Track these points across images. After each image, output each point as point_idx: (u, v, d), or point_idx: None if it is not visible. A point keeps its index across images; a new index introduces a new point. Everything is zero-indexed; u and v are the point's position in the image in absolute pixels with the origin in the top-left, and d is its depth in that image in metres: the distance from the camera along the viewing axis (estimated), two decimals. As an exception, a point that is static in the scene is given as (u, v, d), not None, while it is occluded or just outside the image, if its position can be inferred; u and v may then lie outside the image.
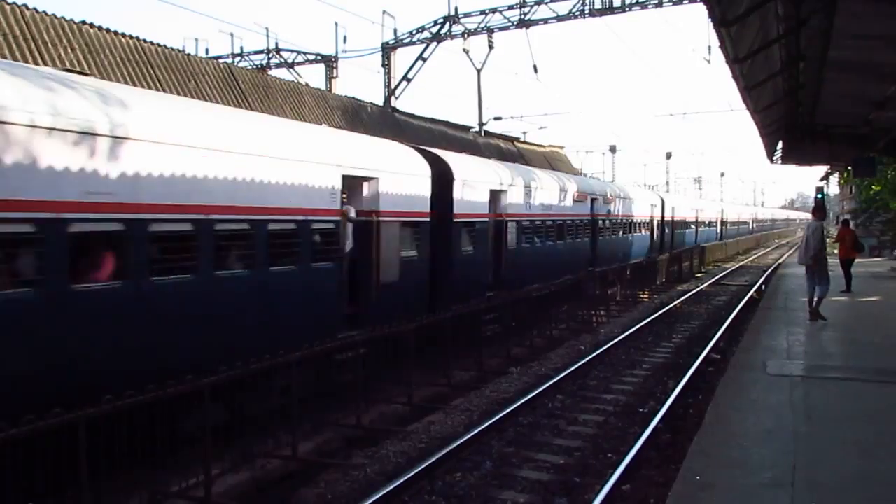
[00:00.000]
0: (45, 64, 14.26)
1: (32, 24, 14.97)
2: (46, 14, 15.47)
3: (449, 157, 16.26)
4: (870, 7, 10.32)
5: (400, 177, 13.45)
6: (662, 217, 35.99)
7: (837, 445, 7.30)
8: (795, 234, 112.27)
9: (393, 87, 34.27)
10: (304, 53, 36.64)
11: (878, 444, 7.33)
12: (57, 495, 6.56)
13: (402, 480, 8.11)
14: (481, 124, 35.81)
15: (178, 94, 17.11)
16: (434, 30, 33.23)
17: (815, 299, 15.40)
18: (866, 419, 8.24)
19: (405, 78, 34.41)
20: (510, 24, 31.75)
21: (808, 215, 20.60)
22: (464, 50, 33.20)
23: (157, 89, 16.83)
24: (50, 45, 15.13)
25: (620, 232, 29.21)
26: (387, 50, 34.34)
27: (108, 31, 17.05)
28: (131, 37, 17.71)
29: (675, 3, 29.01)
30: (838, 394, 9.40)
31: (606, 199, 27.01)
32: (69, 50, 15.53)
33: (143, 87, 16.30)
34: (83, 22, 16.45)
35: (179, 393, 7.51)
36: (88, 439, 6.52)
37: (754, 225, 74.48)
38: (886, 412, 8.49)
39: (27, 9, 15.06)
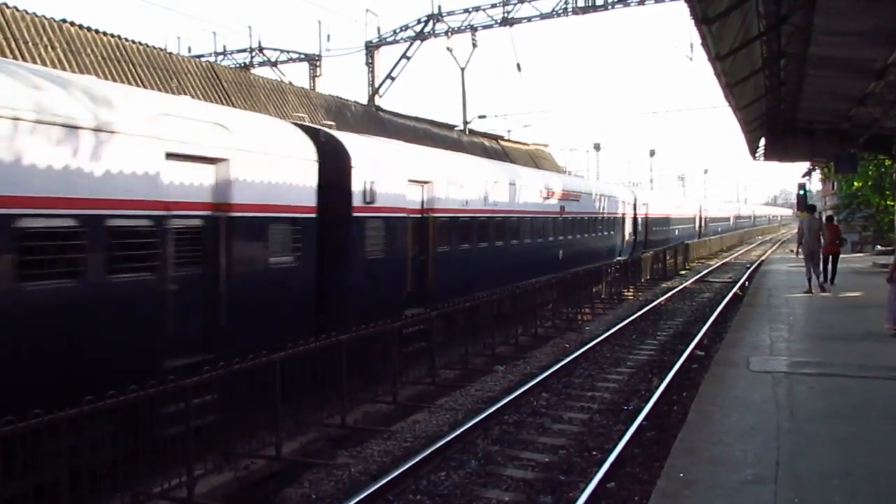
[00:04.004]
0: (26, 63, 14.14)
1: (13, 22, 14.82)
2: (27, 13, 15.31)
3: (642, 192, 36.41)
4: (849, 4, 10.40)
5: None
6: (700, 215, 55.15)
7: (820, 441, 7.32)
8: (778, 231, 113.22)
9: (377, 85, 34.20)
10: (288, 52, 36.56)
11: (861, 439, 7.36)
12: (37, 496, 6.49)
13: (386, 480, 8.09)
14: (465, 123, 35.80)
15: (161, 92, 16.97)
16: (418, 28, 33.20)
17: (819, 278, 19.84)
18: (849, 414, 8.27)
19: (389, 76, 34.36)
20: (493, 22, 31.76)
21: (789, 211, 22.82)
22: (447, 48, 33.19)
23: (138, 87, 16.70)
24: (31, 44, 14.99)
25: (684, 224, 49.19)
26: (370, 48, 34.28)
27: (89, 29, 16.91)
28: (112, 35, 17.56)
29: (657, 1, 29.11)
30: (821, 389, 9.43)
31: (681, 205, 49.77)
32: (49, 48, 15.38)
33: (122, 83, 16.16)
34: (64, 20, 16.30)
35: (162, 392, 7.47)
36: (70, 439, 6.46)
37: (753, 219, 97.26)
38: (868, 407, 8.52)
39: (7, 7, 14.91)
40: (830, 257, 21.75)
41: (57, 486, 6.45)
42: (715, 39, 12.28)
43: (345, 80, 62.68)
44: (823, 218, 24.69)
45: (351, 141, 13.12)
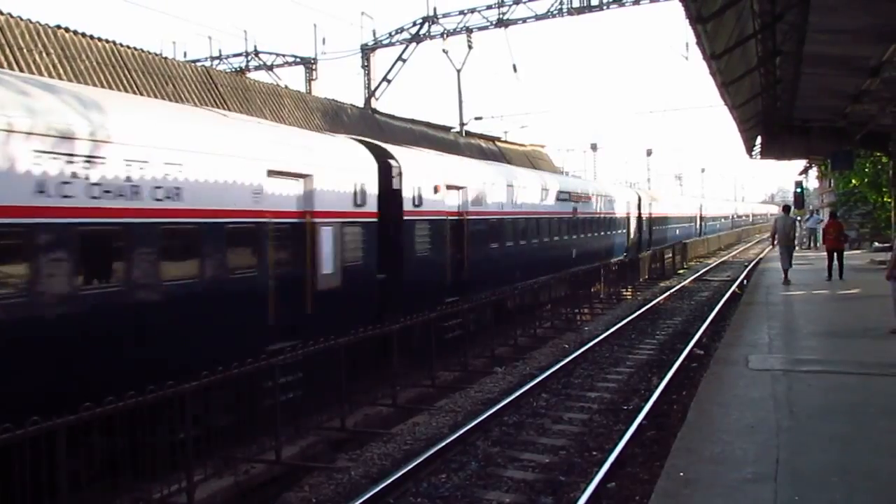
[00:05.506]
0: (21, 69, 14.11)
1: (7, 29, 14.79)
2: (21, 19, 15.29)
3: (704, 202, 64.09)
4: (843, 1, 10.41)
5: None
6: (733, 214, 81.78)
7: (819, 439, 7.32)
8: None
9: (373, 88, 34.19)
10: (283, 56, 36.50)
11: (860, 436, 7.36)
12: (36, 501, 6.47)
13: (386, 483, 8.09)
14: (462, 124, 35.79)
15: (156, 98, 16.96)
16: (413, 30, 33.18)
17: (787, 273, 21.58)
18: (848, 412, 8.27)
19: (385, 79, 34.33)
20: (489, 23, 31.73)
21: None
22: (443, 50, 33.17)
23: (134, 93, 16.68)
24: (25, 51, 14.97)
25: (722, 220, 73.39)
26: (366, 51, 34.25)
27: (83, 35, 16.88)
28: (107, 41, 17.54)
29: (651, 1, 29.13)
30: (820, 387, 9.43)
31: (722, 208, 74.57)
32: (44, 55, 15.37)
33: (119, 91, 16.14)
34: (58, 26, 16.28)
35: (159, 398, 7.45)
36: (68, 446, 6.46)
37: (769, 216, 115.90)
38: (867, 404, 8.52)
39: (1, 14, 14.89)
40: (835, 254, 21.87)
41: (57, 492, 6.43)
42: (710, 38, 12.29)
43: (341, 83, 62.75)
44: (825, 215, 25.04)
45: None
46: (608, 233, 30.31)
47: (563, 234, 24.26)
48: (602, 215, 29.21)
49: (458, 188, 16.91)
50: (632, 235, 34.87)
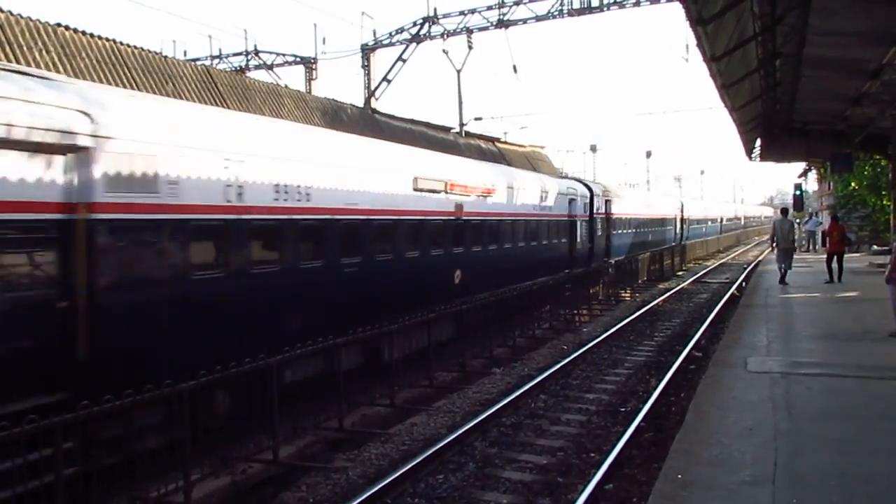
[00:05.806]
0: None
1: (7, 26, 14.77)
2: (21, 17, 15.26)
3: (688, 201, 61.61)
4: (843, 4, 10.41)
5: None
6: (723, 217, 76.12)
7: (818, 442, 7.31)
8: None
9: (373, 88, 34.18)
10: (283, 55, 36.49)
11: (858, 439, 7.35)
12: (33, 501, 6.46)
13: (384, 483, 8.07)
14: (462, 125, 35.77)
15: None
16: (413, 31, 33.15)
17: (785, 271, 22.19)
18: (846, 415, 8.25)
19: (385, 79, 34.32)
20: (489, 24, 31.72)
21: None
22: (443, 51, 33.16)
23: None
24: (25, 48, 14.94)
25: (711, 223, 66.50)
26: (366, 51, 34.23)
27: (84, 33, 16.85)
28: (108, 39, 17.50)
29: (652, 2, 29.10)
30: (819, 390, 9.42)
31: (707, 209, 69.70)
32: (44, 52, 15.34)
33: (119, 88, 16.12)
34: (59, 24, 16.25)
35: (157, 398, 7.44)
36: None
37: (757, 220, 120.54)
38: (866, 408, 8.51)
39: (1, 11, 14.87)
40: (836, 256, 21.90)
41: (54, 491, 6.42)
42: (710, 40, 12.30)
43: (341, 83, 62.83)
44: (825, 217, 25.17)
45: None
46: (533, 243, 21.61)
47: (433, 246, 15.68)
48: (519, 217, 20.51)
49: (61, 149, 7.55)
50: (578, 244, 26.24)
